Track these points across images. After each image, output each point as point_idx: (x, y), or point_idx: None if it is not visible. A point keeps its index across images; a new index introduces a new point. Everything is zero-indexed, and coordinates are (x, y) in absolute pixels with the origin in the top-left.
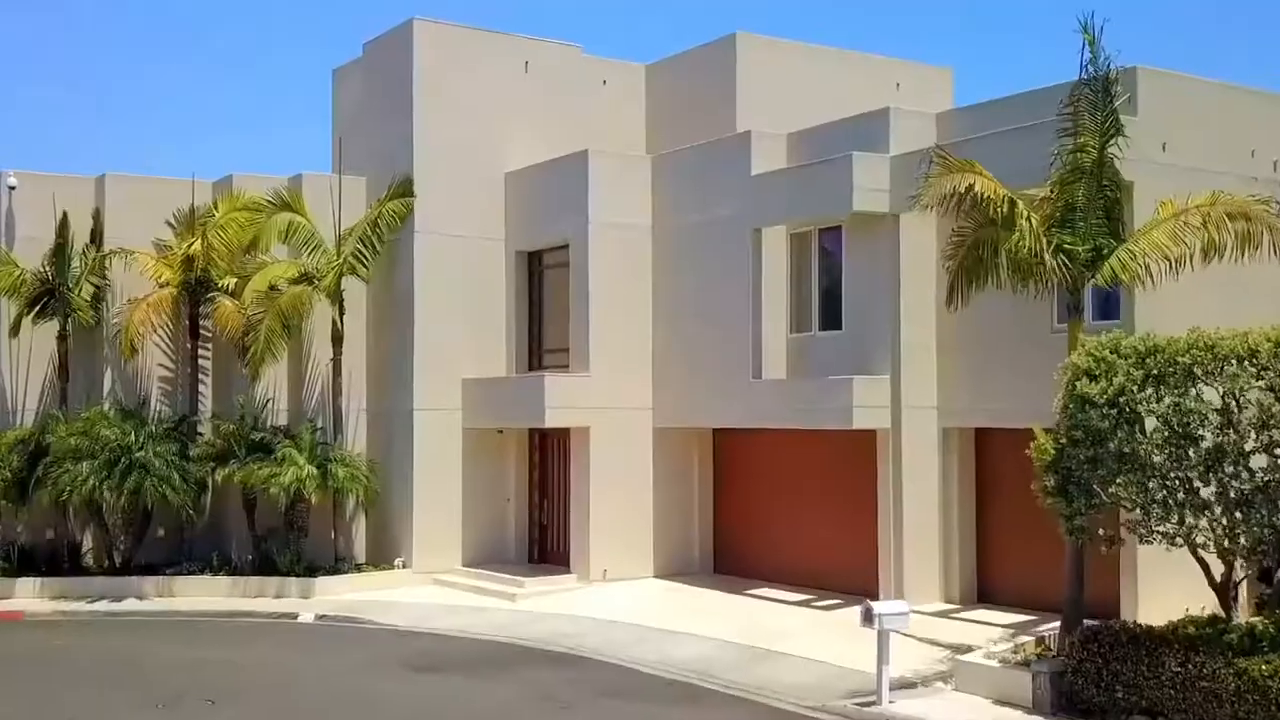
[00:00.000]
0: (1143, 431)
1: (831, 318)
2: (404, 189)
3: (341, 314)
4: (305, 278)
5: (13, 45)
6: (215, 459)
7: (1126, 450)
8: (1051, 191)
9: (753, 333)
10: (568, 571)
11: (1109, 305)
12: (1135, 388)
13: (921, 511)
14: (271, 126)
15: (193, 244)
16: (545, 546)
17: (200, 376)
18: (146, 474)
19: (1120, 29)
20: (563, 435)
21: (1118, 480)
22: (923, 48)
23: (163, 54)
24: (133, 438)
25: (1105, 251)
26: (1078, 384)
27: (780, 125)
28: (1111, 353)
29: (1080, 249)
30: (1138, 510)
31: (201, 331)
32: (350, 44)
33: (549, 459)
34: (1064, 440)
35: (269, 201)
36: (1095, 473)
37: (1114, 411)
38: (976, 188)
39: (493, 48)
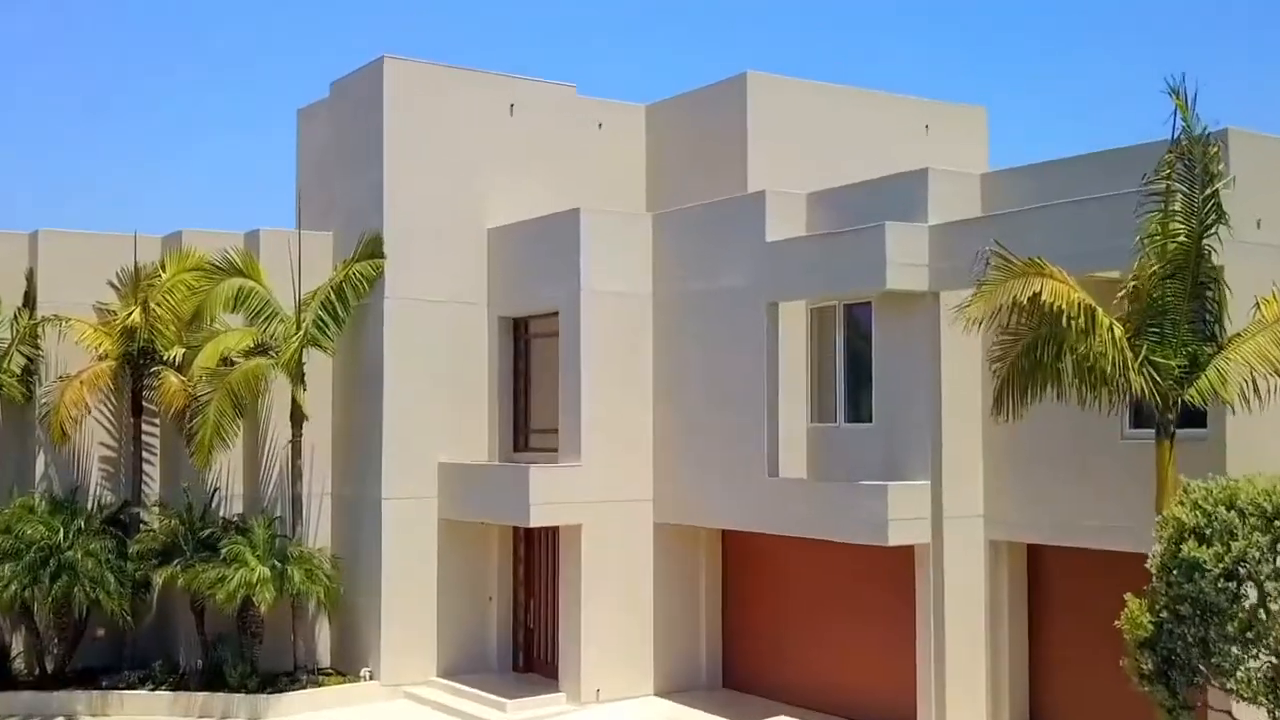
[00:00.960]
0: (1268, 612)
1: (860, 408)
2: (373, 248)
3: (303, 390)
4: (261, 349)
5: None
6: (158, 555)
7: (1250, 635)
8: (1131, 285)
9: (768, 421)
10: (556, 687)
11: (1193, 410)
12: (1260, 554)
13: (966, 633)
14: (233, 172)
15: (133, 312)
16: (531, 653)
17: (146, 457)
18: (76, 577)
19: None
20: (552, 529)
21: (1238, 673)
22: (950, 85)
23: (119, 90)
24: (61, 535)
25: (1200, 360)
26: (1183, 546)
27: (796, 172)
28: (1227, 508)
29: (1173, 363)
30: (1266, 712)
31: (147, 407)
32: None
33: (536, 552)
34: (1165, 614)
35: (215, 266)
36: (1208, 659)
37: (1232, 584)
38: (1045, 295)
39: (474, 88)
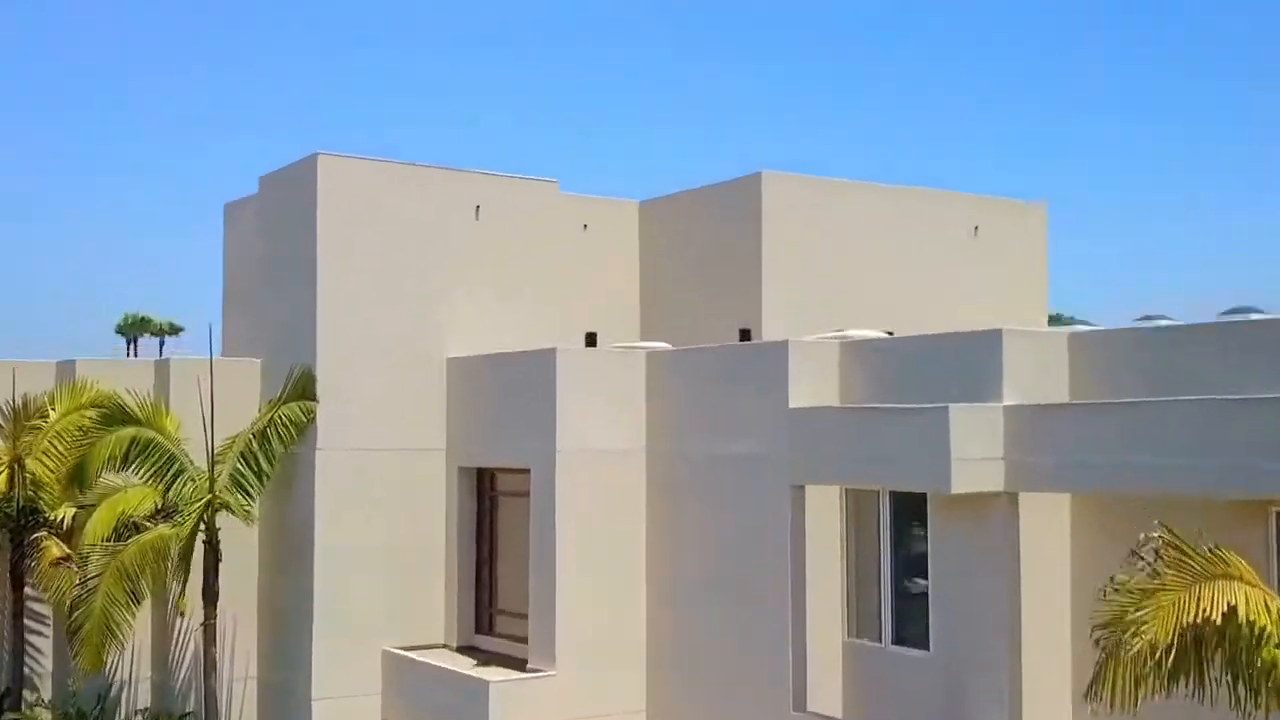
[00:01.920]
0: None
1: (912, 627)
2: (303, 386)
3: (216, 561)
4: (166, 513)
5: None
6: None
7: None
8: None
9: (793, 632)
10: None
11: None
12: None
13: None
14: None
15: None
16: None
17: (31, 640)
18: None
19: None
20: None
21: None
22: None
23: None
24: None
25: None
26: None
27: (820, 288)
28: None
29: None
30: None
31: (30, 580)
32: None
33: None
34: None
35: (101, 415)
36: None
37: None
38: (1243, 609)
39: (431, 188)
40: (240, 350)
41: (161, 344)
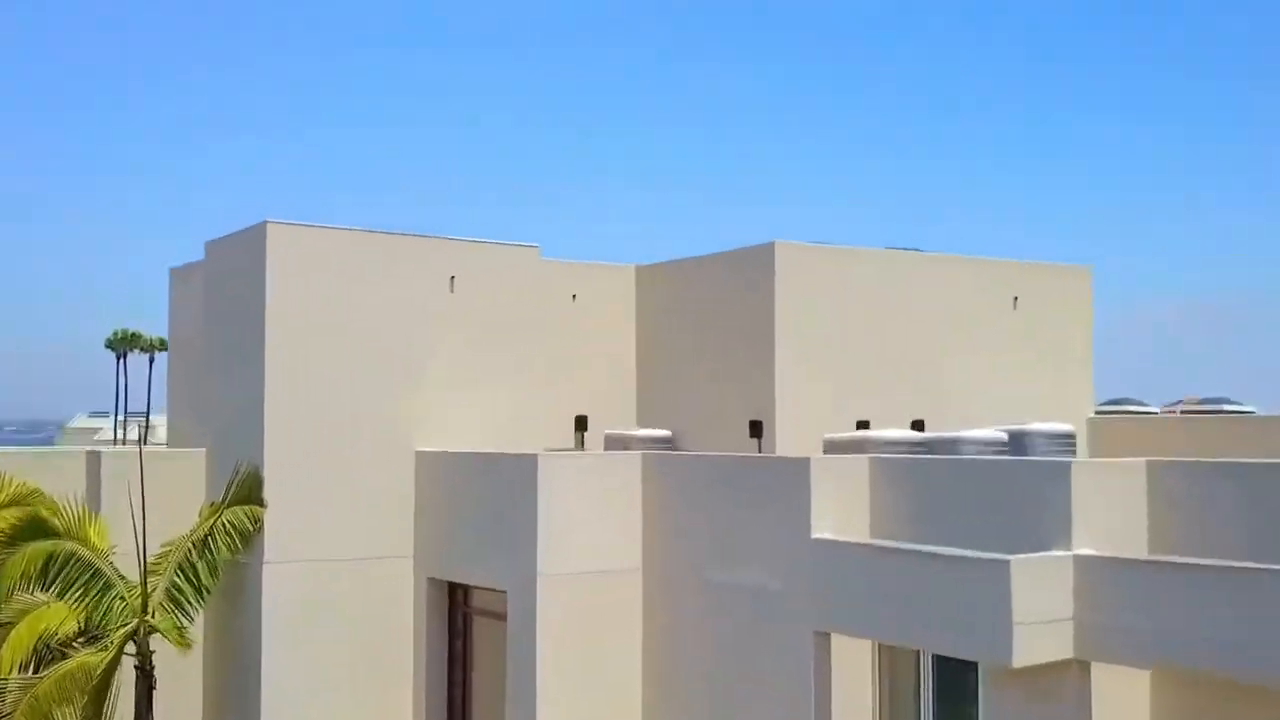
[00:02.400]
0: None
1: None
2: (249, 489)
3: (150, 689)
4: (91, 636)
5: None
6: None
7: None
8: None
9: None
10: None
11: None
12: None
13: None
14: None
15: None
16: None
17: None
18: None
19: None
20: None
21: None
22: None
23: None
24: None
25: None
26: None
27: (840, 374)
28: None
29: None
30: None
31: None
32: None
33: None
34: None
35: (17, 521)
36: None
37: None
38: None
39: (397, 258)
40: (185, 432)
41: (151, 360)
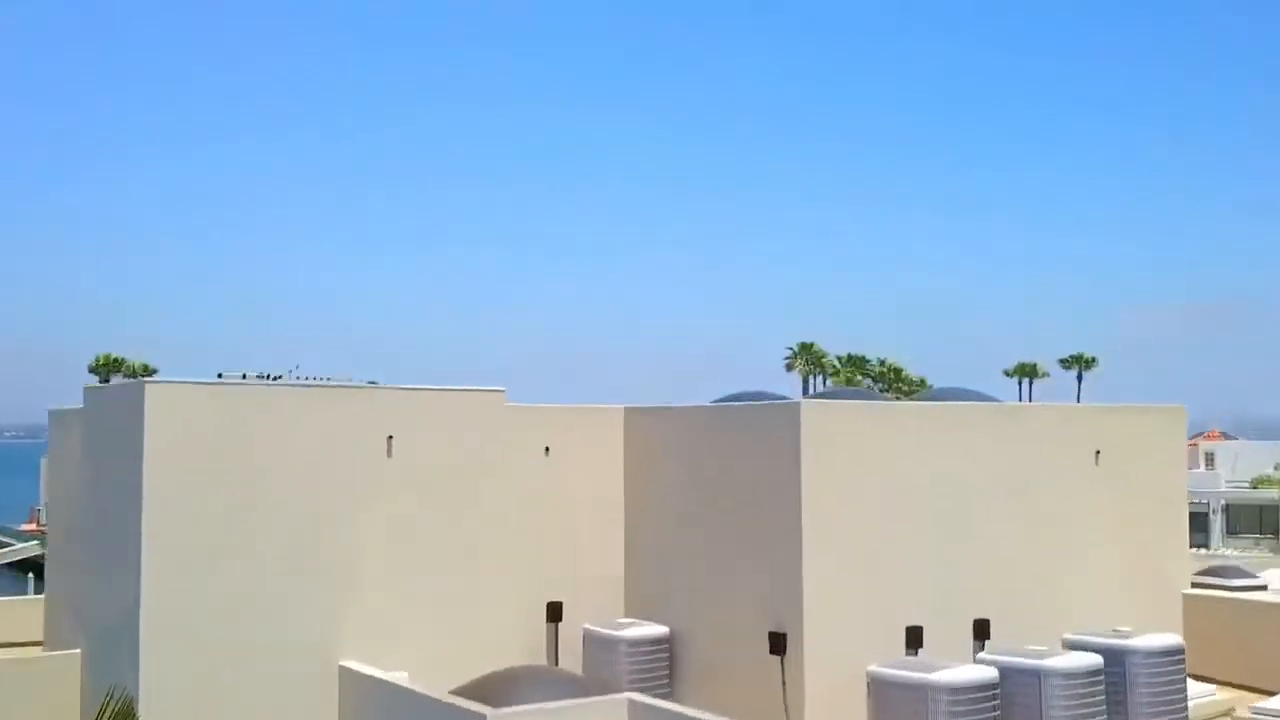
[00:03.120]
0: None
1: None
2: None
3: None
4: None
5: None
6: None
7: None
8: None
9: None
10: None
11: None
12: None
13: None
14: None
15: None
16: None
17: None
18: None
19: None
20: None
21: None
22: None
23: None
24: None
25: None
26: None
27: (883, 549)
28: None
29: None
30: None
31: None
32: None
33: None
34: None
35: None
36: None
37: None
38: None
39: (321, 418)
40: (60, 625)
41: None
